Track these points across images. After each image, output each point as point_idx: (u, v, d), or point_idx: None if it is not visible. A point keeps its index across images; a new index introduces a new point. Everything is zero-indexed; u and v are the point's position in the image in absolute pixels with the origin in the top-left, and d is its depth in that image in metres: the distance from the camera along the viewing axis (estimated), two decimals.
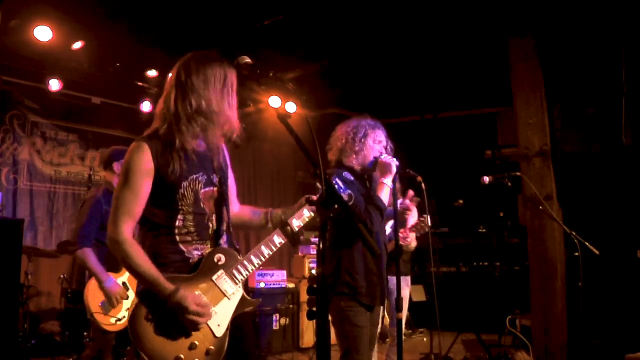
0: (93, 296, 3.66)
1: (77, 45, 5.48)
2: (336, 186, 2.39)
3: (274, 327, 6.36)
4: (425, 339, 6.98)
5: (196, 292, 1.90)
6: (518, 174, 4.70)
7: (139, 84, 6.59)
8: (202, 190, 2.00)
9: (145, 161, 1.89)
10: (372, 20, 5.40)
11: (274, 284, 6.61)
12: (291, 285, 6.72)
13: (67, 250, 5.61)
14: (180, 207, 1.95)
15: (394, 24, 5.45)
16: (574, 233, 4.11)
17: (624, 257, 5.01)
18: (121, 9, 5.06)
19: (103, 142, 7.14)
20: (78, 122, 6.91)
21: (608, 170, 5.18)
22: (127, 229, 1.88)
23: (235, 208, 2.27)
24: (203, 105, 1.96)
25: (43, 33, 5.08)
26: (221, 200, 2.05)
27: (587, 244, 4.05)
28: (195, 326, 1.86)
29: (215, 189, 2.04)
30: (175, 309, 1.83)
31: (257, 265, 2.05)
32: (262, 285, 6.50)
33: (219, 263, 1.98)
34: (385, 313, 6.77)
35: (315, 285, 1.65)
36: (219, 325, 1.94)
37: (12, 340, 4.74)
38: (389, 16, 5.31)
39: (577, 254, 4.08)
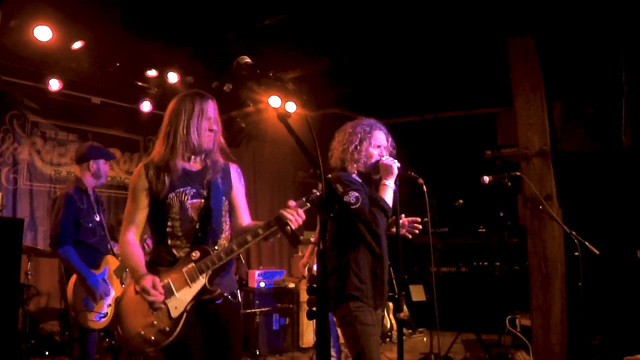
0: (76, 295, 3.61)
1: (77, 45, 5.48)
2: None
3: (274, 327, 6.36)
4: (425, 339, 6.98)
5: (167, 280, 2.28)
6: (518, 174, 4.70)
7: (139, 84, 6.58)
8: (190, 201, 2.38)
9: (141, 180, 2.38)
10: (372, 20, 5.40)
11: (274, 284, 6.62)
12: (291, 285, 6.72)
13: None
14: (168, 215, 2.35)
15: (394, 24, 5.45)
16: (574, 233, 4.10)
17: (624, 257, 5.01)
18: (121, 9, 5.06)
19: (103, 142, 7.07)
20: (78, 122, 6.90)
21: (608, 170, 5.18)
22: (128, 233, 2.37)
23: (244, 222, 2.55)
24: (184, 138, 2.38)
25: (43, 33, 5.07)
26: (207, 211, 2.39)
27: (587, 244, 4.05)
28: (153, 304, 2.21)
29: (202, 200, 2.40)
30: (140, 289, 2.22)
31: (225, 260, 2.33)
32: (262, 285, 6.51)
33: (193, 257, 2.32)
34: (386, 314, 6.79)
35: (315, 285, 1.65)
36: (176, 307, 2.27)
37: (12, 340, 4.74)
38: (389, 16, 5.31)
39: (577, 254, 4.08)
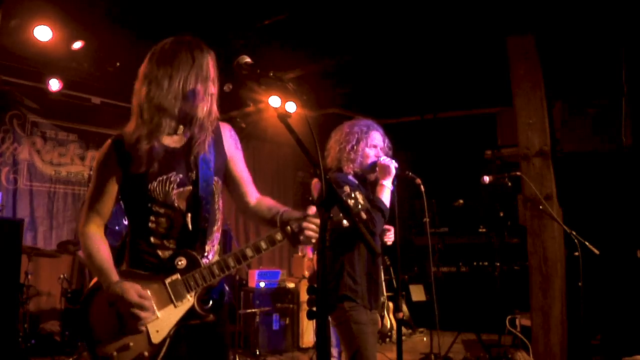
0: None
1: (77, 45, 5.48)
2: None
3: (274, 327, 6.36)
4: (425, 339, 6.98)
5: (146, 291, 1.83)
6: (518, 174, 4.70)
7: None
8: (175, 191, 1.91)
9: (110, 161, 1.91)
10: (372, 21, 5.40)
11: (273, 284, 6.62)
12: (291, 285, 6.72)
13: (67, 250, 5.62)
14: (150, 207, 1.89)
15: (394, 24, 5.45)
16: (574, 233, 4.10)
17: (624, 257, 5.01)
18: (121, 9, 5.06)
19: (103, 142, 7.01)
20: (78, 122, 6.91)
21: (608, 170, 5.18)
22: (89, 223, 1.91)
23: (253, 198, 2.11)
24: (172, 101, 1.88)
25: (43, 33, 5.08)
26: (197, 200, 1.92)
27: (587, 244, 4.05)
28: (135, 321, 1.78)
29: (190, 187, 1.93)
30: (115, 301, 1.79)
31: (218, 277, 1.90)
32: (262, 285, 6.51)
33: (178, 266, 1.88)
34: (386, 314, 6.78)
35: (315, 285, 1.65)
36: (157, 331, 1.83)
37: (12, 340, 4.74)
38: (389, 16, 5.31)
39: (577, 254, 4.08)
